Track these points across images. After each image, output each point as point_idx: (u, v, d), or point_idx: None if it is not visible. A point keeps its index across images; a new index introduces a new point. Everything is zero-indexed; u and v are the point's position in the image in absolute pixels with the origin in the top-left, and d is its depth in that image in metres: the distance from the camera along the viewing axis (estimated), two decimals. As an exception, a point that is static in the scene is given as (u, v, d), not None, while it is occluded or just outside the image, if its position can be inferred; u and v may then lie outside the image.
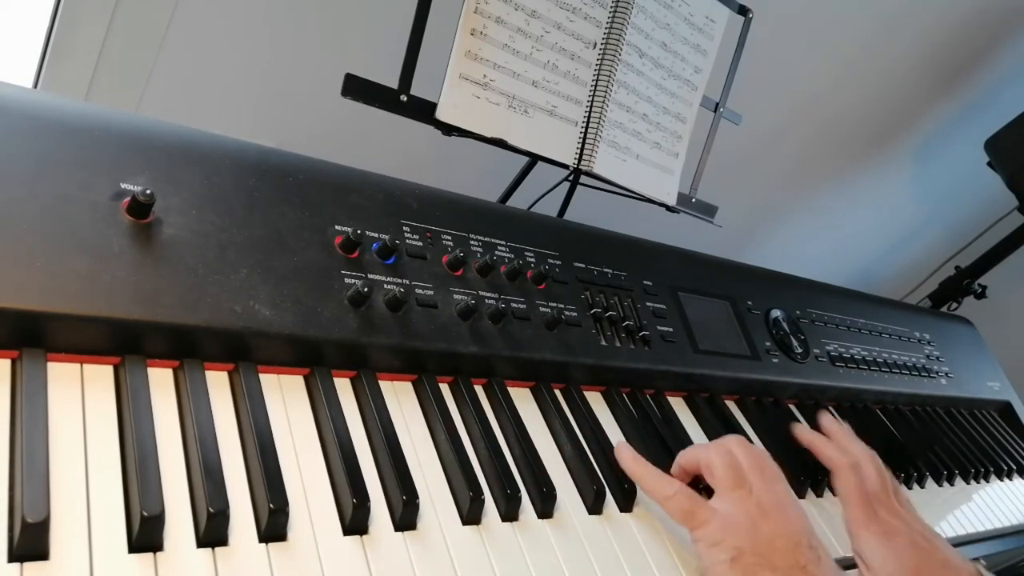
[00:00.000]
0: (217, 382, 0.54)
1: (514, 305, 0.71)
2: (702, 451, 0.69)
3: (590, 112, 0.96)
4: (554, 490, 0.62)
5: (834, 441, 0.80)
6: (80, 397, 0.48)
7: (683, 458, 0.70)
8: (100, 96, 1.12)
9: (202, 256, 0.54)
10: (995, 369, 1.37)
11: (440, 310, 0.66)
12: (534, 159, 0.97)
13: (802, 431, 0.83)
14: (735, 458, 0.67)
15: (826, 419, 0.83)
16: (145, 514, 0.43)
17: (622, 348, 0.78)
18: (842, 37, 1.66)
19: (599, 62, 0.96)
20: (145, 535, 0.43)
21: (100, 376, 0.50)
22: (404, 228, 0.68)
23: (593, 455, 0.69)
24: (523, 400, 0.71)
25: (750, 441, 0.71)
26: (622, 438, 0.74)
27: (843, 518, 0.72)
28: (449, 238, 0.71)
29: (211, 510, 0.45)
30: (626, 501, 0.67)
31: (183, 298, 0.52)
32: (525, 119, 0.91)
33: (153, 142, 0.57)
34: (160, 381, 0.52)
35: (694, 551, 0.63)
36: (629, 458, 0.68)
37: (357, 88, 0.81)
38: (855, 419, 1.03)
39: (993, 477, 1.12)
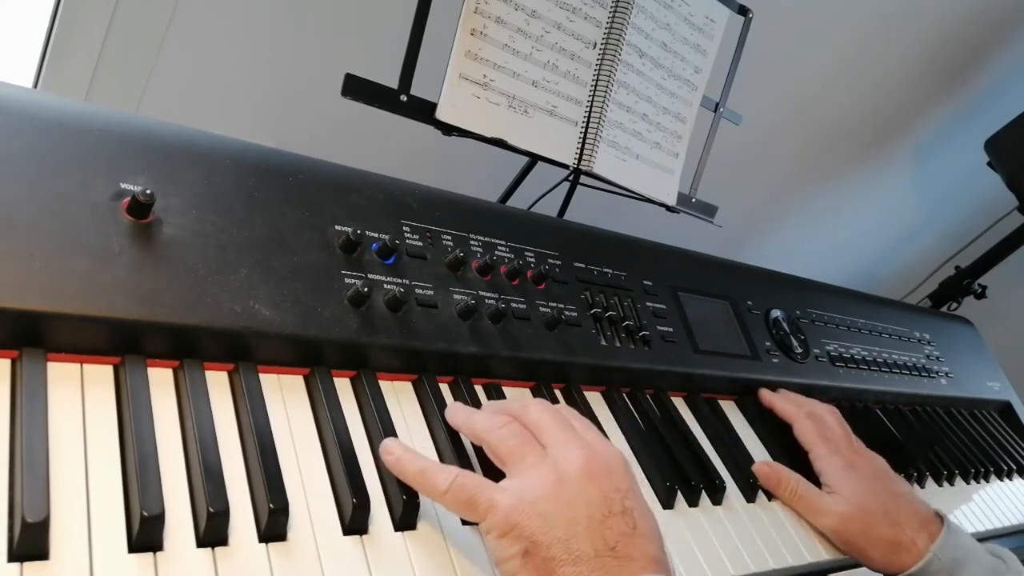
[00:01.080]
0: (217, 382, 0.54)
1: (514, 305, 0.71)
2: (482, 422, 0.58)
3: (590, 112, 0.96)
4: (554, 490, 0.62)
5: (791, 397, 0.89)
6: (80, 397, 0.48)
7: (462, 421, 0.59)
8: (100, 96, 1.12)
9: (202, 256, 0.54)
10: (995, 369, 1.37)
11: (440, 310, 0.66)
12: (534, 159, 0.97)
13: (764, 393, 0.90)
14: (527, 421, 0.57)
15: (769, 397, 0.90)
16: (145, 514, 0.43)
17: (622, 348, 0.78)
18: (842, 37, 1.66)
19: (599, 62, 0.96)
20: (145, 535, 0.43)
21: (100, 376, 0.50)
22: (404, 228, 0.68)
23: (593, 455, 0.69)
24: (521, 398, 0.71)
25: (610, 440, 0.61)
26: (622, 438, 0.74)
27: (811, 461, 0.82)
28: (449, 238, 0.71)
29: (211, 510, 0.45)
30: (626, 501, 0.67)
31: (183, 298, 0.52)
32: (525, 119, 0.91)
33: (153, 142, 0.57)
34: (160, 381, 0.52)
35: (486, 548, 0.53)
36: (396, 456, 0.54)
37: (357, 88, 0.81)
38: (855, 419, 1.03)
39: (993, 477, 1.12)
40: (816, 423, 0.84)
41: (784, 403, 0.88)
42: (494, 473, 0.57)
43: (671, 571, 0.51)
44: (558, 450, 0.54)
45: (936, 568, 0.71)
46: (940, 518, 0.77)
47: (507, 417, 0.58)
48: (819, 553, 0.76)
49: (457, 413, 0.60)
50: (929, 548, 0.72)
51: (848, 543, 0.75)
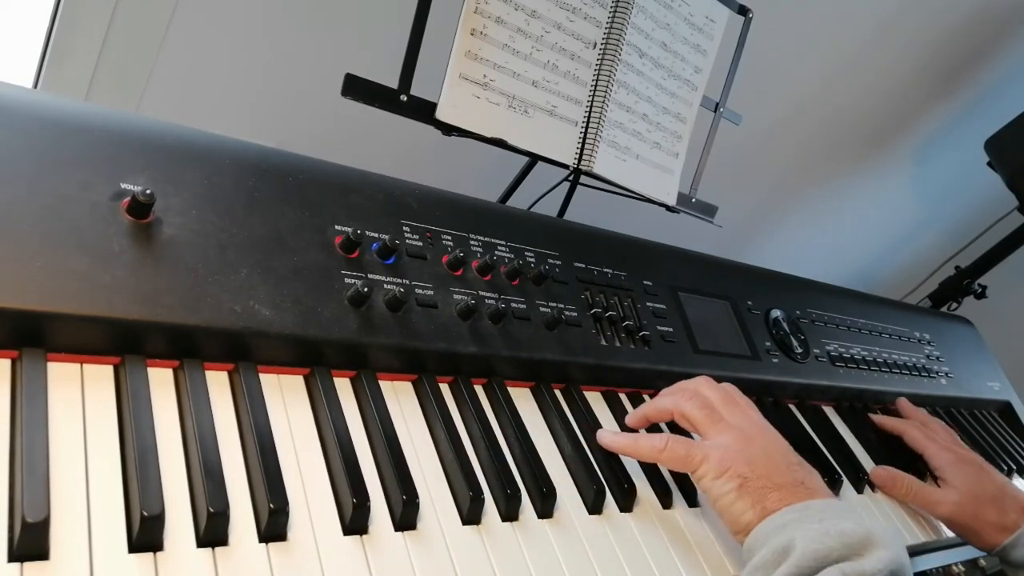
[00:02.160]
0: (217, 382, 0.54)
1: (514, 305, 0.71)
2: (669, 400, 0.72)
3: (590, 112, 0.96)
4: (554, 490, 0.62)
5: (900, 420, 1.03)
6: (80, 397, 0.48)
7: (651, 410, 0.74)
8: (100, 96, 1.12)
9: (202, 256, 0.54)
10: (995, 369, 1.37)
11: (440, 310, 0.66)
12: (534, 159, 0.97)
13: (878, 419, 1.04)
14: (704, 397, 0.71)
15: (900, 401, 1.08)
16: (145, 514, 0.43)
17: (622, 348, 0.78)
18: (842, 37, 1.66)
19: (599, 62, 0.96)
20: (145, 535, 0.43)
21: (100, 376, 0.50)
22: (404, 228, 0.68)
23: (593, 455, 0.69)
24: (523, 400, 0.71)
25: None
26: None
27: (926, 459, 0.95)
28: (449, 238, 0.71)
29: (211, 510, 0.45)
30: (626, 501, 0.67)
31: (183, 298, 0.52)
32: (525, 119, 0.91)
33: (153, 142, 0.57)
34: (160, 381, 0.52)
35: (701, 490, 0.66)
36: (610, 437, 0.70)
37: (357, 88, 0.81)
38: (855, 419, 1.03)
39: (993, 477, 1.12)
40: (922, 429, 0.99)
41: (893, 422, 1.03)
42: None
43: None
44: (737, 420, 0.69)
45: None
46: None
47: (688, 393, 0.72)
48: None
49: (643, 407, 0.75)
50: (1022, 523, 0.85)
51: (962, 527, 0.88)
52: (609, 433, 0.71)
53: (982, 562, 0.93)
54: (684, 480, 0.72)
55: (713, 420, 0.69)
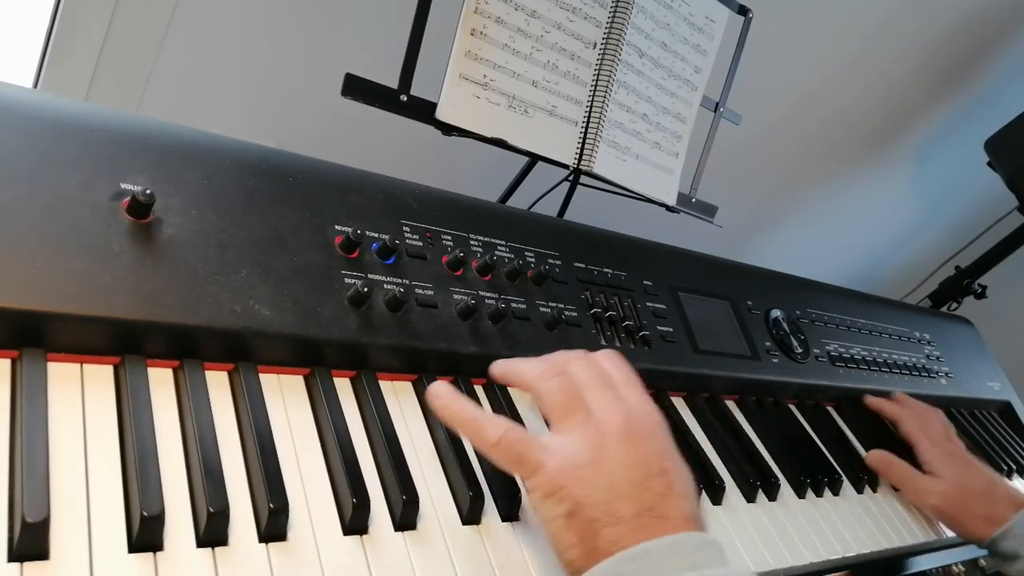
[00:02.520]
0: (217, 382, 0.54)
1: (514, 305, 0.71)
2: (530, 372, 0.59)
3: (590, 112, 0.96)
4: (554, 490, 0.62)
5: (898, 405, 1.04)
6: (80, 397, 0.48)
7: (512, 374, 0.61)
8: (100, 96, 1.12)
9: (202, 256, 0.54)
10: (995, 369, 1.37)
11: (440, 310, 0.66)
12: (534, 159, 0.97)
13: (870, 400, 1.05)
14: (570, 376, 0.58)
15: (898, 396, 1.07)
16: (145, 514, 0.43)
17: (622, 348, 0.78)
18: (842, 37, 1.66)
19: (599, 62, 0.96)
20: (145, 535, 0.43)
21: (100, 376, 0.50)
22: (404, 228, 0.68)
23: (593, 455, 0.69)
24: (523, 400, 0.71)
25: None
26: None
27: (916, 453, 0.97)
28: (449, 238, 0.71)
29: (211, 510, 0.45)
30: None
31: (183, 298, 0.52)
32: (525, 119, 0.91)
33: (153, 142, 0.57)
34: (160, 381, 0.52)
35: (528, 503, 0.54)
36: (441, 405, 0.56)
37: (357, 88, 0.81)
38: (855, 419, 1.03)
39: (993, 477, 1.12)
40: (919, 421, 1.00)
41: (890, 407, 1.04)
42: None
43: (704, 526, 0.52)
44: (600, 410, 0.55)
45: (1016, 532, 0.84)
46: None
47: (557, 367, 0.59)
48: (819, 553, 0.76)
49: (503, 362, 0.62)
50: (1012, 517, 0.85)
51: (949, 518, 0.89)
52: (447, 391, 0.57)
53: (982, 562, 0.93)
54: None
55: (568, 411, 0.55)
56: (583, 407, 0.56)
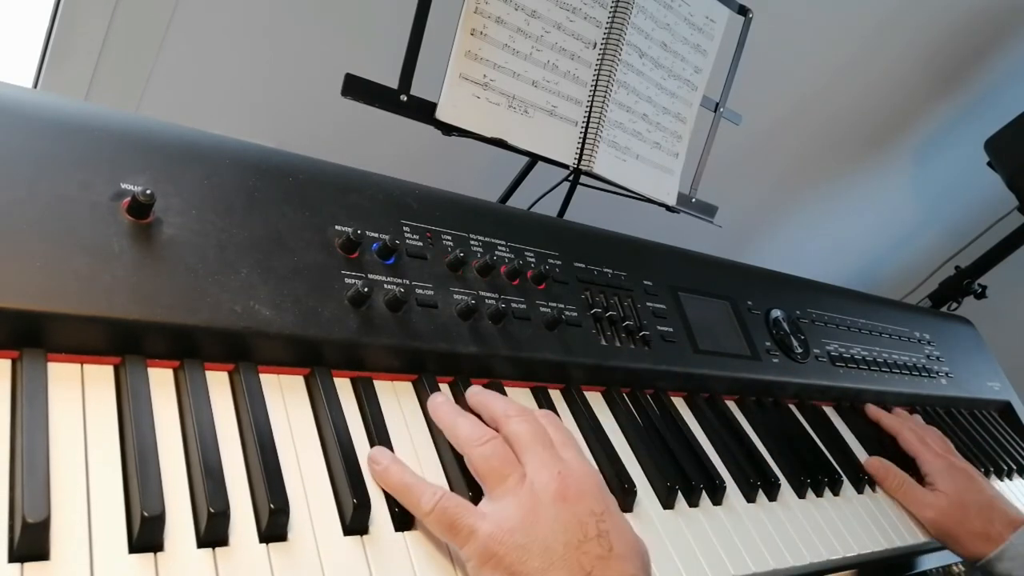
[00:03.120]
0: (217, 382, 0.54)
1: (514, 305, 0.71)
2: (464, 434, 0.58)
3: (590, 112, 0.96)
4: (554, 490, 0.62)
5: (898, 412, 1.06)
6: (80, 397, 0.48)
7: (449, 432, 0.59)
8: (100, 96, 1.12)
9: (202, 256, 0.54)
10: (995, 369, 1.37)
11: (440, 310, 0.66)
12: (534, 159, 0.97)
13: (871, 408, 1.05)
14: (500, 441, 0.57)
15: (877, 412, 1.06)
16: (145, 514, 0.43)
17: (622, 348, 0.78)
18: (842, 37, 1.66)
19: (599, 62, 0.96)
20: (145, 535, 0.43)
21: (100, 376, 0.50)
22: (404, 228, 0.68)
23: (593, 455, 0.69)
24: (523, 400, 0.71)
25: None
26: (622, 438, 0.74)
27: (918, 464, 0.96)
28: (449, 238, 0.71)
29: (211, 510, 0.45)
30: (626, 501, 0.67)
31: (183, 298, 0.52)
32: (525, 119, 0.91)
33: (153, 142, 0.57)
34: (160, 381, 0.52)
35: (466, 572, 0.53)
36: (380, 471, 0.55)
37: (357, 88, 0.81)
38: (855, 419, 1.04)
39: (993, 477, 1.12)
40: (918, 434, 1.00)
41: (890, 418, 1.04)
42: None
43: None
44: (535, 472, 0.54)
45: (1012, 555, 0.83)
46: None
47: (490, 432, 0.58)
48: (819, 553, 0.76)
49: (441, 411, 0.60)
50: (1008, 537, 0.84)
51: (944, 533, 0.88)
52: (385, 456, 0.55)
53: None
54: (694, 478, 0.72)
55: (501, 475, 0.54)
56: (517, 469, 0.55)
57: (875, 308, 1.21)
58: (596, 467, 0.60)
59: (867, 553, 0.81)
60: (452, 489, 0.58)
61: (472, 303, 0.66)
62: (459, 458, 0.59)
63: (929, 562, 0.88)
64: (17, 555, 0.40)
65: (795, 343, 0.99)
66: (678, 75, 1.05)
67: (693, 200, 1.11)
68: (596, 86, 0.96)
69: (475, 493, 0.57)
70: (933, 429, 1.03)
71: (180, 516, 0.46)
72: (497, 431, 0.58)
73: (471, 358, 0.66)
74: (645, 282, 0.87)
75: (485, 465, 0.55)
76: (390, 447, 0.57)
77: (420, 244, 0.68)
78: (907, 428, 1.01)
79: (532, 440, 0.57)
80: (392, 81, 0.83)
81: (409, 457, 0.57)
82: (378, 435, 0.58)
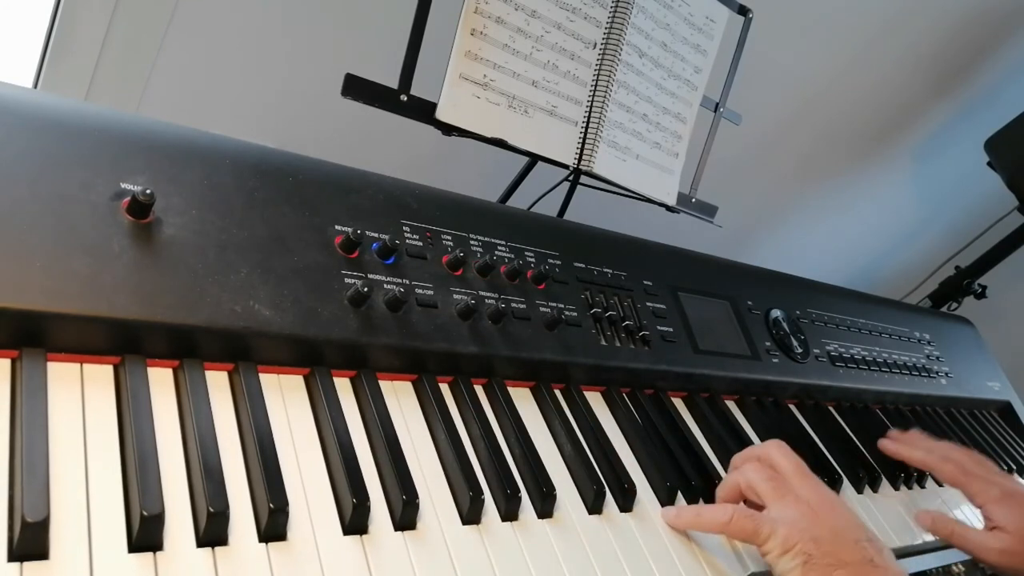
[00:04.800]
0: (217, 382, 0.54)
1: (514, 305, 0.71)
2: (739, 475, 0.71)
3: (590, 112, 0.96)
4: (554, 490, 0.62)
5: (915, 445, 0.95)
6: (80, 397, 0.48)
7: (723, 491, 0.72)
8: (100, 96, 1.12)
9: (202, 256, 0.54)
10: (995, 369, 1.37)
11: (440, 310, 0.66)
12: (534, 159, 0.97)
13: (887, 445, 0.96)
14: (772, 469, 0.70)
15: (894, 434, 0.98)
16: (145, 514, 0.43)
17: (622, 348, 0.78)
18: (842, 37, 1.66)
19: (599, 62, 0.96)
20: (145, 535, 0.43)
21: (100, 376, 0.50)
22: (404, 228, 0.68)
23: (593, 455, 0.69)
24: (523, 400, 0.71)
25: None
26: (622, 438, 0.74)
27: (968, 498, 0.88)
28: (449, 238, 0.71)
29: (211, 510, 0.45)
30: (626, 501, 0.67)
31: (183, 298, 0.52)
32: (525, 119, 0.91)
33: (153, 142, 0.57)
34: (160, 381, 0.52)
35: (766, 564, 0.65)
36: (673, 516, 0.69)
37: (357, 88, 0.81)
38: (855, 419, 1.03)
39: (993, 477, 1.12)
40: (954, 464, 0.91)
41: (913, 452, 0.94)
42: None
43: None
44: (806, 492, 0.67)
45: None
46: None
47: (758, 464, 0.70)
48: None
49: (719, 490, 0.73)
50: None
51: (1015, 569, 0.82)
52: (673, 511, 0.69)
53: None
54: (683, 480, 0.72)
55: (780, 493, 0.67)
56: (791, 490, 0.67)
57: (875, 308, 1.21)
58: None
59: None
60: (452, 489, 0.59)
61: (472, 303, 0.66)
62: (460, 459, 0.59)
63: (929, 562, 0.88)
64: (17, 554, 0.40)
65: (795, 343, 0.99)
66: (678, 75, 1.05)
67: (693, 200, 1.11)
68: (596, 86, 0.96)
69: (475, 494, 0.57)
70: (959, 448, 0.94)
71: (180, 516, 0.46)
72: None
73: (471, 358, 0.66)
74: (645, 282, 0.87)
75: (765, 487, 0.68)
76: (390, 447, 0.57)
77: (420, 244, 0.68)
78: (939, 459, 0.92)
79: (795, 469, 0.70)
80: (392, 81, 0.83)
81: (409, 457, 0.57)
82: (378, 435, 0.58)
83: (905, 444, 0.95)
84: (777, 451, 0.72)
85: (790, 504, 0.66)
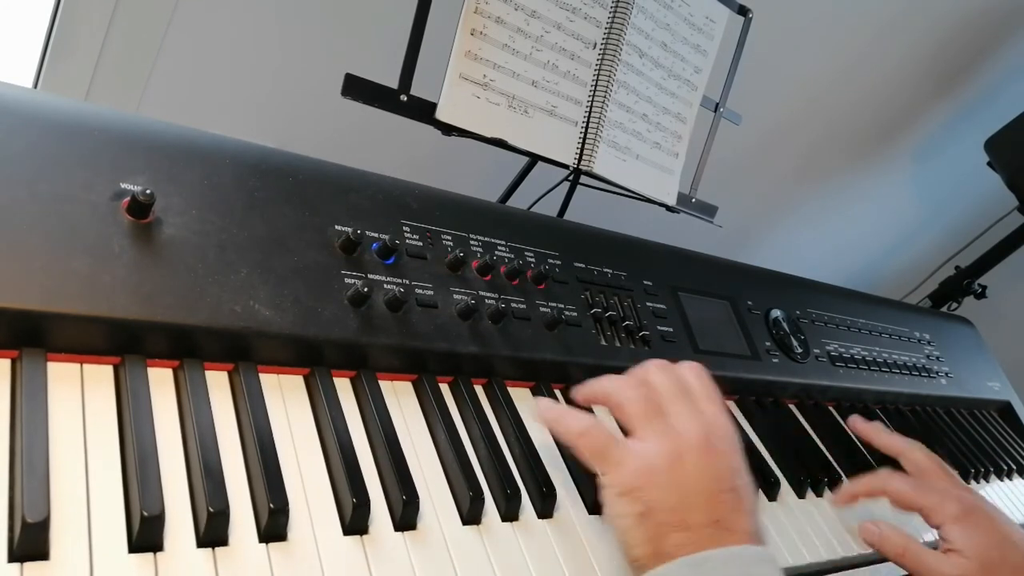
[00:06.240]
0: (217, 382, 0.54)
1: (514, 305, 0.71)
2: (611, 383, 0.62)
3: (590, 112, 0.96)
4: (554, 490, 0.62)
5: (877, 438, 0.85)
6: (80, 397, 0.48)
7: (590, 389, 0.63)
8: (100, 96, 1.12)
9: (202, 256, 0.54)
10: (995, 369, 1.37)
11: (440, 310, 0.66)
12: (534, 159, 0.97)
13: (856, 424, 0.87)
14: (651, 387, 0.60)
15: (858, 424, 0.88)
16: (145, 514, 0.43)
17: (622, 348, 0.78)
18: (842, 37, 1.66)
19: (599, 62, 0.96)
20: (145, 535, 0.43)
21: (100, 376, 0.50)
22: (404, 228, 0.68)
23: (593, 455, 0.69)
24: (523, 400, 0.71)
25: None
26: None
27: (923, 515, 0.74)
28: (449, 238, 0.71)
29: (211, 510, 0.45)
30: (626, 501, 0.67)
31: (183, 298, 0.52)
32: (525, 119, 0.91)
33: (153, 142, 0.57)
34: (160, 381, 0.52)
35: (601, 497, 0.56)
36: (544, 408, 0.62)
37: (357, 88, 0.81)
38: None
39: (993, 477, 1.12)
40: (903, 480, 0.77)
41: (882, 435, 0.84)
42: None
43: (764, 542, 0.54)
44: (680, 422, 0.58)
45: None
46: None
47: (636, 379, 0.62)
48: (819, 554, 0.76)
49: (582, 386, 0.64)
50: None
51: None
52: (547, 402, 0.63)
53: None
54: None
55: (647, 417, 0.58)
56: (663, 417, 0.58)
57: (875, 308, 1.21)
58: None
59: (867, 553, 0.81)
60: (452, 489, 0.59)
61: (472, 303, 0.66)
62: (460, 459, 0.59)
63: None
64: (17, 555, 0.40)
65: (795, 343, 0.99)
66: (678, 75, 1.05)
67: (693, 200, 1.11)
68: (596, 86, 0.96)
69: (475, 494, 0.57)
70: (917, 447, 0.83)
71: (180, 516, 0.46)
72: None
73: (471, 358, 0.66)
74: (645, 282, 0.87)
75: (632, 408, 0.59)
76: (390, 446, 0.57)
77: (420, 244, 0.68)
78: (894, 478, 0.77)
79: (677, 392, 0.60)
80: (392, 81, 0.83)
81: (409, 456, 0.57)
82: (378, 435, 0.58)
83: (871, 430, 0.86)
84: (657, 369, 0.62)
85: (655, 435, 0.56)
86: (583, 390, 0.65)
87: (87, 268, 0.49)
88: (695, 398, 0.60)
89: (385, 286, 0.63)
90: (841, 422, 1.01)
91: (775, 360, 0.95)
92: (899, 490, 0.76)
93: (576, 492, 0.66)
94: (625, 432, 0.60)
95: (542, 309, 0.73)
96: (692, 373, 0.63)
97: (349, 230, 0.62)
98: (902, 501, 0.76)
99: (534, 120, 0.92)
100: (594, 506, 0.65)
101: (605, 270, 0.83)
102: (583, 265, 0.81)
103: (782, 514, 0.78)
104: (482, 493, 0.58)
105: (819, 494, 0.85)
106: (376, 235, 0.65)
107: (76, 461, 0.45)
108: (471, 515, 0.57)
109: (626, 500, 0.54)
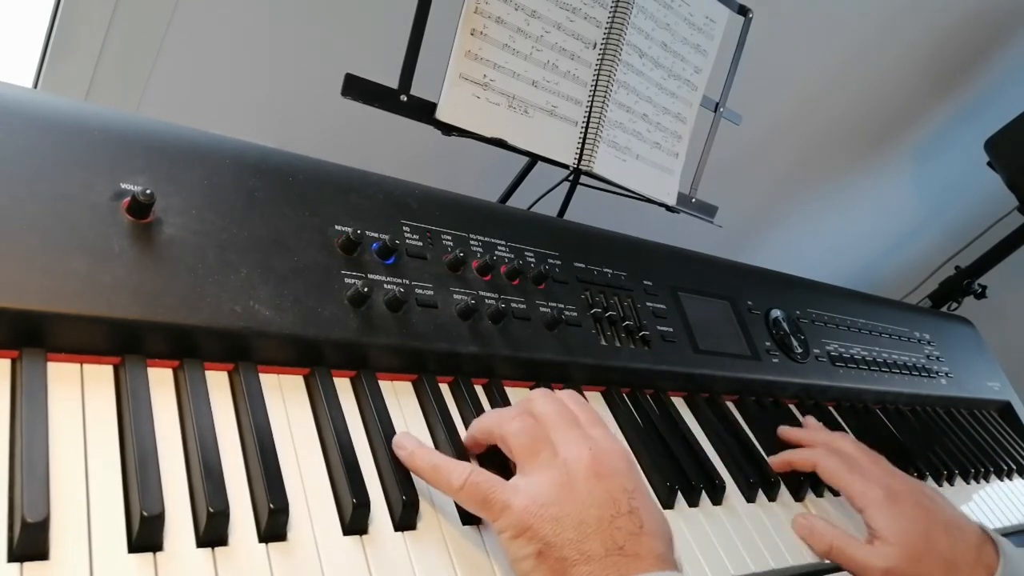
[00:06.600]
0: (217, 382, 0.54)
1: (514, 305, 0.71)
2: (493, 419, 0.58)
3: (590, 112, 0.96)
4: (554, 490, 0.62)
5: (800, 438, 0.84)
6: (80, 397, 0.48)
7: (476, 428, 0.60)
8: (100, 96, 1.12)
9: (202, 256, 0.54)
10: (995, 369, 1.37)
11: (440, 310, 0.66)
12: (534, 159, 0.97)
13: (775, 461, 0.82)
14: (536, 416, 0.57)
15: (785, 431, 0.86)
16: (145, 514, 0.43)
17: (622, 348, 0.78)
18: (842, 37, 1.66)
19: (599, 62, 0.96)
20: (145, 535, 0.43)
21: (100, 376, 0.50)
22: (404, 228, 0.68)
23: (593, 455, 0.69)
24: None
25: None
26: (622, 438, 0.74)
27: (847, 500, 0.74)
28: (449, 238, 0.71)
29: (211, 510, 0.45)
30: (626, 501, 0.67)
31: (183, 298, 0.52)
32: (525, 119, 0.91)
33: (153, 142, 0.57)
34: (160, 381, 0.52)
35: (499, 545, 0.53)
36: (407, 455, 0.55)
37: (357, 88, 0.81)
38: (855, 419, 1.03)
39: (993, 477, 1.12)
40: (834, 457, 0.77)
41: (796, 456, 0.81)
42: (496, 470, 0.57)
43: (678, 566, 0.52)
44: (567, 449, 0.55)
45: None
46: (992, 542, 0.70)
47: (518, 410, 0.59)
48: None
49: (471, 425, 0.61)
50: None
51: None
52: (410, 446, 0.55)
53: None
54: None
55: (533, 449, 0.55)
56: (549, 446, 0.55)
57: (875, 308, 1.21)
58: (626, 444, 0.61)
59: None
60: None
61: (472, 303, 0.66)
62: (460, 457, 0.59)
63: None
64: (16, 555, 0.40)
65: (795, 343, 0.99)
66: (678, 75, 1.05)
67: (693, 200, 1.11)
68: (596, 86, 0.96)
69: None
70: (844, 437, 0.82)
71: (179, 516, 0.46)
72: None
73: (471, 358, 0.66)
74: (645, 282, 0.87)
75: (515, 441, 0.56)
76: (390, 447, 0.57)
77: (420, 244, 0.68)
78: (821, 455, 0.77)
79: (560, 418, 0.57)
80: (392, 81, 0.83)
81: (409, 457, 0.57)
82: (378, 435, 0.57)
83: (788, 453, 0.81)
84: (541, 399, 0.59)
85: (540, 467, 0.53)
86: (470, 430, 0.61)
87: (87, 268, 0.49)
88: (581, 424, 0.58)
89: (385, 286, 0.63)
90: (842, 422, 1.02)
91: (775, 360, 0.95)
92: (828, 467, 0.76)
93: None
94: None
95: (542, 309, 0.73)
96: (573, 400, 0.61)
97: (349, 230, 0.62)
98: (831, 479, 0.76)
99: (534, 120, 0.92)
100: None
101: (605, 270, 0.83)
102: (583, 265, 0.81)
103: (782, 514, 0.78)
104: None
105: (819, 494, 0.84)
106: (376, 235, 0.65)
107: (76, 461, 0.45)
108: (471, 515, 0.57)
109: (521, 541, 0.51)
